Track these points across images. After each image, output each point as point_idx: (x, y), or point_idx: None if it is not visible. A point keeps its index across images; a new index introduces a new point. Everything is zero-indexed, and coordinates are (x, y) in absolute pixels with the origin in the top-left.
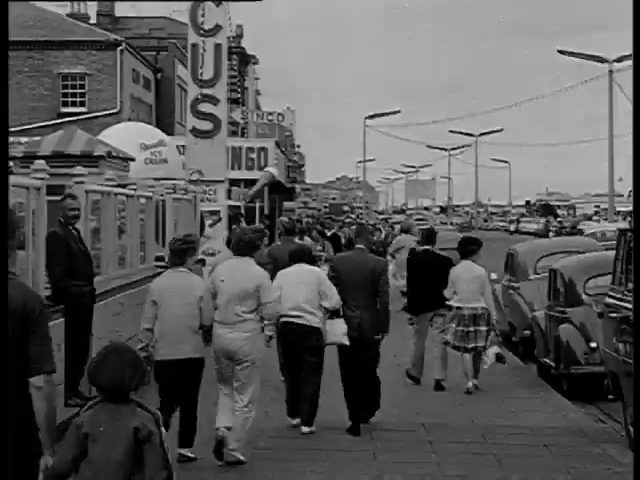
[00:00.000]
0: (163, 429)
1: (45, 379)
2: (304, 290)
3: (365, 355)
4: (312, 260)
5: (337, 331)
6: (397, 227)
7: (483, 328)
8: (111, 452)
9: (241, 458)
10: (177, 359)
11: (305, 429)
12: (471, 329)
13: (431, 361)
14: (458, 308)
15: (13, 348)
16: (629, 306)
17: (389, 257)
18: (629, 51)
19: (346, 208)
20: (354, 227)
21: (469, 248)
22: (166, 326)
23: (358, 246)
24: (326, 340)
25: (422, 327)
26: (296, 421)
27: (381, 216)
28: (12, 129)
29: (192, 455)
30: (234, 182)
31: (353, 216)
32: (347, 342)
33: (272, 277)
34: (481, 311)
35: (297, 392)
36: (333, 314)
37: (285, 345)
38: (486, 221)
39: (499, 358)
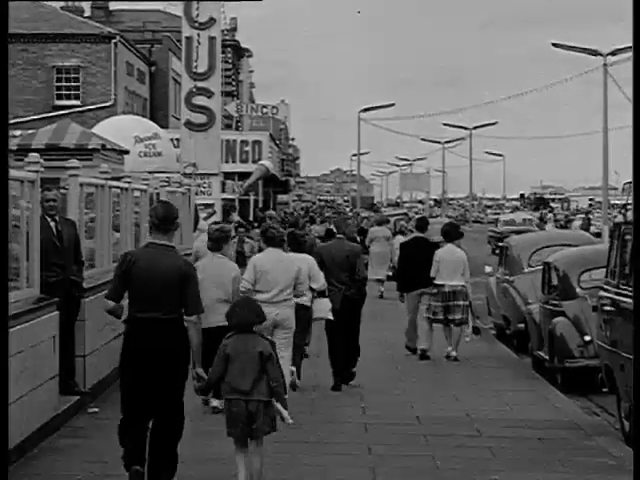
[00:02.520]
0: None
1: (198, 317)
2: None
3: (351, 319)
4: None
5: (323, 308)
6: (392, 220)
7: (461, 302)
8: (244, 367)
9: None
10: (212, 327)
11: (297, 380)
12: (450, 303)
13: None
14: (440, 285)
15: (174, 295)
16: (623, 299)
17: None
18: (625, 43)
19: (340, 201)
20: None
21: (452, 234)
22: (206, 300)
23: (338, 236)
24: (314, 316)
25: (412, 304)
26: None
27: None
28: None
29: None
30: (228, 175)
31: (348, 209)
32: (332, 317)
33: None
34: (460, 288)
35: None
36: (319, 294)
37: None
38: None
39: (475, 330)
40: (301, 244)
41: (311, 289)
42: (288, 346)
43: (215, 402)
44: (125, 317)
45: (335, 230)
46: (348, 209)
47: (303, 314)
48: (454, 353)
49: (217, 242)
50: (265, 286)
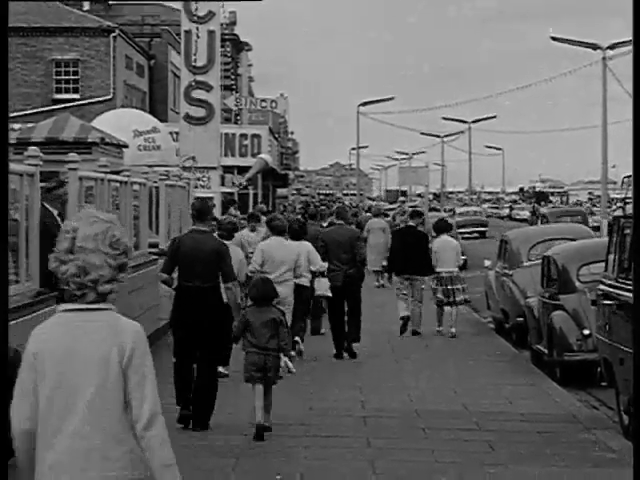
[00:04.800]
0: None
1: (232, 283)
2: (302, 261)
3: (352, 296)
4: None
5: (323, 286)
6: (390, 213)
7: (458, 286)
8: (260, 329)
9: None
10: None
11: (302, 347)
12: (449, 287)
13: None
14: (438, 272)
15: (210, 268)
16: (622, 293)
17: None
18: (624, 37)
19: (338, 195)
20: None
21: (444, 226)
22: None
23: (338, 222)
24: (316, 293)
25: (402, 288)
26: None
27: (373, 202)
28: None
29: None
30: (227, 169)
31: (348, 203)
32: (330, 294)
33: None
34: (455, 274)
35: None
36: (320, 275)
37: None
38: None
39: (466, 301)
40: (299, 234)
41: (310, 271)
42: (287, 321)
43: (221, 369)
44: (175, 285)
45: (336, 218)
46: (348, 203)
47: (303, 293)
48: (454, 330)
49: (229, 232)
50: (271, 268)
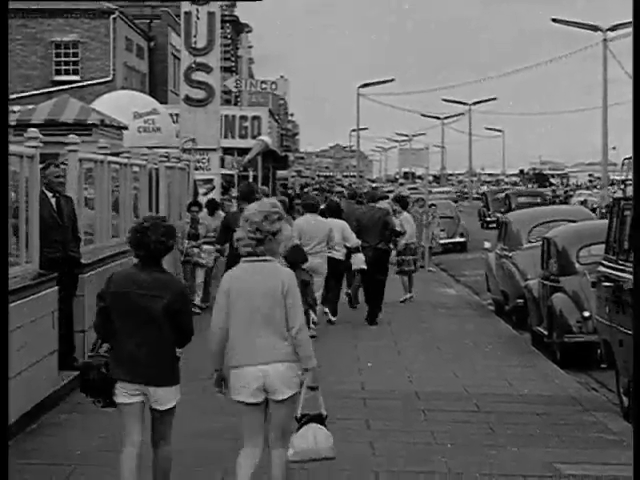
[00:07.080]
0: None
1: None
2: (334, 234)
3: (379, 269)
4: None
5: (359, 260)
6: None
7: (415, 257)
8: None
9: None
10: None
11: (332, 318)
12: (413, 257)
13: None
14: (411, 243)
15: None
16: (622, 274)
17: None
18: (624, 18)
19: (338, 177)
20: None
21: (406, 203)
22: None
23: (371, 204)
24: (353, 267)
25: None
26: (326, 310)
27: (373, 184)
28: None
29: None
30: (227, 151)
31: (346, 185)
32: (365, 267)
33: None
34: (416, 245)
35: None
36: (355, 250)
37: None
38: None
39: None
40: (338, 213)
41: (346, 247)
42: (320, 287)
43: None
44: (227, 254)
45: (370, 201)
46: (347, 185)
47: (337, 266)
48: (410, 294)
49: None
50: (305, 241)
